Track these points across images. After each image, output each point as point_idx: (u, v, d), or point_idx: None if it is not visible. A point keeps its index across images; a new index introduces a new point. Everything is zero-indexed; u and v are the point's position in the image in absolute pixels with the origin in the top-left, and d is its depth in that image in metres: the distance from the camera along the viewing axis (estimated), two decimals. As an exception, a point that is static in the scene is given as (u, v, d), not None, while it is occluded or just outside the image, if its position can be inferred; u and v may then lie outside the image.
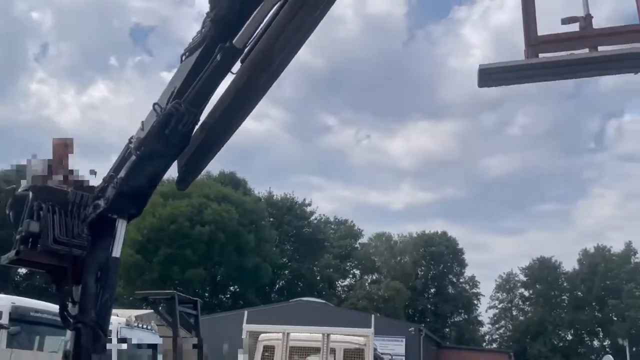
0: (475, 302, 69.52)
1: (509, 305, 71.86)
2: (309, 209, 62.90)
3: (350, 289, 65.33)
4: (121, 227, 4.49)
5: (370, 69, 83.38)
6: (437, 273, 67.22)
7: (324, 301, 39.29)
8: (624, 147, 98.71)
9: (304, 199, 63.08)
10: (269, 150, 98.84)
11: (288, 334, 10.57)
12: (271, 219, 55.72)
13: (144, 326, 12.93)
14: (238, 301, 52.61)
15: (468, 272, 69.21)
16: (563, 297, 68.54)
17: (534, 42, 2.75)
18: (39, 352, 12.73)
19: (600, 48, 2.72)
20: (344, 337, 10.86)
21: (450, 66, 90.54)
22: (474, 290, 69.60)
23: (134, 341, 17.62)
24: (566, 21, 2.77)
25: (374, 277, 65.95)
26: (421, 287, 65.04)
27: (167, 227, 41.62)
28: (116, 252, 4.42)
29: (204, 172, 40.59)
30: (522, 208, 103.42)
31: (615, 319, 63.49)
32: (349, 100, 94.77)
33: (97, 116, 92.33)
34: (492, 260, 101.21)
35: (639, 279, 64.57)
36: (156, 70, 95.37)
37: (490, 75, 2.75)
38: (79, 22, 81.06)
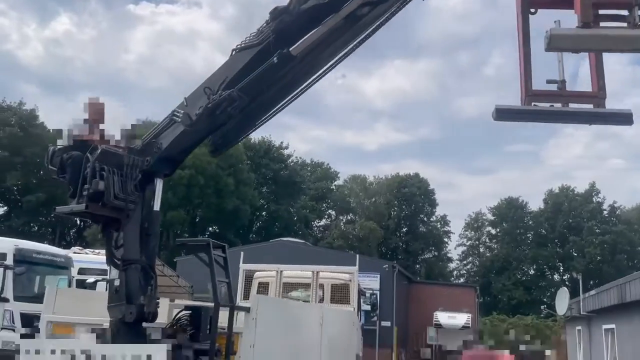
0: (445, 240, 72.78)
1: (477, 242, 75.36)
2: (286, 152, 63.64)
3: (325, 229, 67.36)
4: (159, 184, 5.26)
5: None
6: (409, 213, 69.59)
7: (303, 241, 40.81)
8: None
9: (281, 142, 63.65)
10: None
11: (281, 271, 11.58)
12: (249, 163, 56.31)
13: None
14: (217, 241, 53.98)
15: (439, 212, 71.96)
16: (528, 235, 72.14)
17: (530, 94, 4.03)
18: (78, 289, 13.60)
19: (571, 105, 4.06)
20: (331, 274, 11.89)
21: (430, 3, 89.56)
22: (444, 229, 72.70)
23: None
24: (550, 82, 4.03)
25: (349, 218, 67.97)
26: (394, 226, 67.48)
27: (147, 170, 41.98)
28: (157, 206, 5.20)
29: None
30: (494, 148, 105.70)
31: (575, 254, 67.53)
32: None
33: (61, 51, 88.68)
34: (463, 199, 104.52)
35: (599, 217, 68.32)
36: (122, 3, 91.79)
37: (502, 114, 3.99)
38: (40, -48, 76.73)
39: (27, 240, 20.51)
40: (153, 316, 5.20)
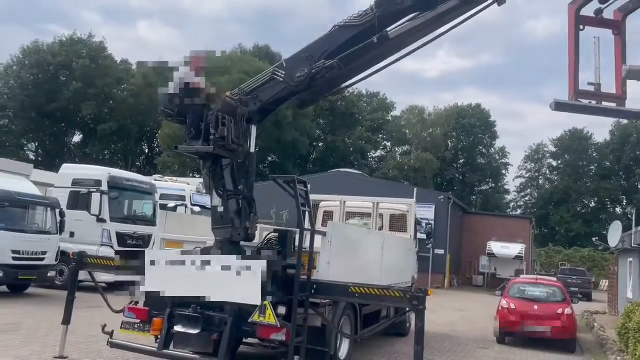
0: (503, 171, 72.09)
1: (536, 174, 74.18)
2: (342, 82, 63.62)
3: (381, 160, 68.14)
4: (253, 130, 6.37)
5: None
6: (467, 144, 68.94)
7: (360, 172, 41.96)
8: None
9: (338, 73, 63.50)
10: (297, 15, 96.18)
11: (344, 202, 12.75)
12: (306, 93, 57.09)
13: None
14: (275, 170, 56.18)
15: (499, 143, 70.89)
16: (591, 167, 70.15)
17: (576, 92, 5.32)
18: (183, 214, 15.47)
19: (604, 103, 5.38)
20: (390, 205, 12.95)
21: None
22: (502, 160, 71.81)
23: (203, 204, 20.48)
24: (590, 84, 5.32)
25: (405, 149, 68.22)
26: (450, 157, 67.28)
27: (209, 102, 43.59)
28: (252, 148, 6.34)
29: (239, 47, 41.62)
30: (562, 75, 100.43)
31: (640, 187, 65.57)
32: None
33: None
34: (525, 129, 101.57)
35: (671, 149, 65.23)
36: None
37: (559, 105, 5.38)
38: None
39: (99, 164, 22.50)
40: (252, 237, 6.48)
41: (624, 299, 18.97)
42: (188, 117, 6.11)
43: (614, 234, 18.75)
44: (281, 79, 6.18)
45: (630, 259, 18.30)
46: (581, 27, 5.50)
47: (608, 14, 5.61)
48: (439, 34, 6.09)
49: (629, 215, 58.87)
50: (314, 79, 6.01)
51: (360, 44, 5.95)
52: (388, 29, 5.97)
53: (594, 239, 37.72)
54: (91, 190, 15.95)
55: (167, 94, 6.26)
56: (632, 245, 16.35)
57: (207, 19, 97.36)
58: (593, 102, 5.41)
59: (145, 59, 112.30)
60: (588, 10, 5.59)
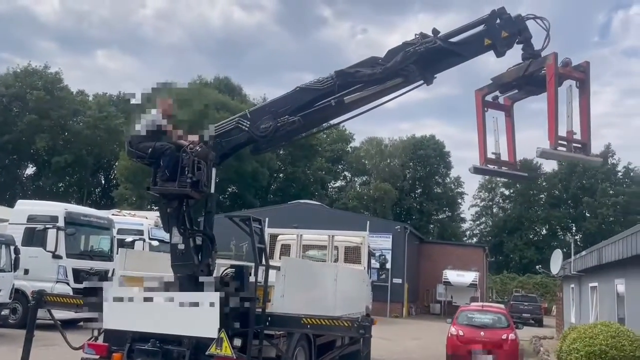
0: (459, 200, 74.17)
1: (490, 203, 76.64)
2: (302, 114, 64.60)
3: (341, 190, 69.08)
4: (214, 173, 6.83)
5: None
6: (424, 174, 70.75)
7: (320, 203, 42.53)
8: (628, 42, 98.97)
9: (297, 105, 64.46)
10: (260, 45, 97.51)
11: (301, 235, 13.23)
12: (266, 125, 57.68)
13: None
14: (237, 201, 56.12)
15: (454, 173, 73.16)
16: (541, 196, 73.03)
17: (486, 159, 6.94)
18: (143, 251, 15.43)
19: (503, 168, 7.19)
20: (345, 237, 13.51)
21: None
22: (458, 190, 73.99)
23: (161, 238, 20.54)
24: (493, 153, 6.99)
25: (364, 179, 69.47)
26: (408, 187, 68.88)
27: (169, 134, 43.42)
28: (212, 189, 6.79)
29: (198, 78, 42.44)
30: (516, 105, 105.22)
31: (587, 215, 68.60)
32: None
33: (77, 6, 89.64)
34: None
35: (613, 179, 68.85)
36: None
37: (478, 169, 6.97)
38: None
39: (55, 199, 22.14)
40: (212, 273, 6.86)
41: (569, 323, 20.00)
42: (163, 160, 6.51)
43: (556, 261, 19.88)
44: (246, 129, 6.83)
45: (572, 286, 19.40)
46: (486, 109, 7.13)
47: (502, 100, 7.29)
48: (383, 102, 7.28)
49: (578, 243, 61.45)
50: (277, 131, 6.76)
51: (319, 102, 6.89)
52: (344, 92, 6.92)
53: (537, 267, 39.32)
54: (47, 226, 15.84)
55: (139, 136, 6.66)
56: (572, 272, 17.40)
57: (167, 48, 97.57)
58: (496, 167, 6.96)
59: (103, 88, 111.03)
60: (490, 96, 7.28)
